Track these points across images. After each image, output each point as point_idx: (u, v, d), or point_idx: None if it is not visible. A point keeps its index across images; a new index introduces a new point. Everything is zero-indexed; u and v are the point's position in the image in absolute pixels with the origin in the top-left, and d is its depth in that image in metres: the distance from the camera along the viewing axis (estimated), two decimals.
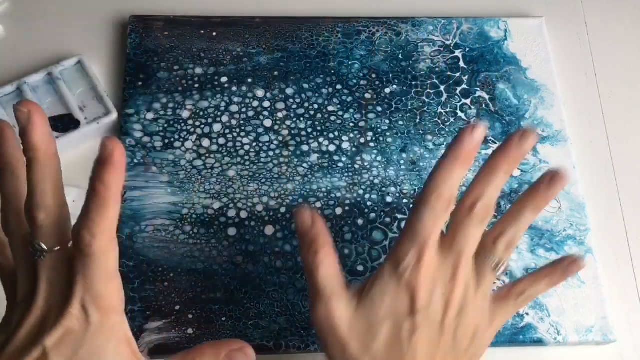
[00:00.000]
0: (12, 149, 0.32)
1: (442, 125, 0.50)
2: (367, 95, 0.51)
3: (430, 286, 0.32)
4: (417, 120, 0.50)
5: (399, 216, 0.47)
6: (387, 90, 0.51)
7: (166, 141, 0.48)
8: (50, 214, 0.30)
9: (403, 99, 0.51)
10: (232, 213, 0.46)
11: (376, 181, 0.48)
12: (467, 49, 0.53)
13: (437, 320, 0.32)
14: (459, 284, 0.33)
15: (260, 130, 0.49)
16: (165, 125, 0.49)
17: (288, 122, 0.50)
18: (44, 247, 0.29)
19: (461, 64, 0.53)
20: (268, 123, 0.50)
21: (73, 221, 0.29)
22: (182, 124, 0.49)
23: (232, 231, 0.46)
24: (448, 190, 0.32)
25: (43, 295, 0.29)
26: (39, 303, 0.29)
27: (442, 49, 0.53)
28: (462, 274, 0.33)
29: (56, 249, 0.30)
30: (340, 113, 0.50)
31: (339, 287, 0.33)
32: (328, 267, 0.33)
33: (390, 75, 0.52)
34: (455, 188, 0.32)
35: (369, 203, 0.47)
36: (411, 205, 0.33)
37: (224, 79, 0.51)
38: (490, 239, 0.34)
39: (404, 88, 0.52)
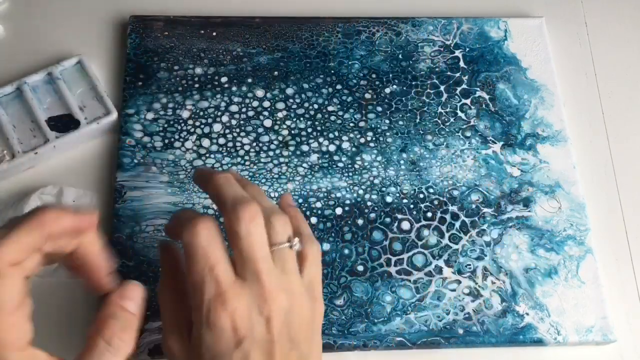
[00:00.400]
0: None
1: (442, 125, 0.50)
2: (367, 95, 0.51)
3: (244, 312, 0.30)
4: (417, 120, 0.50)
5: (399, 216, 0.47)
6: (387, 90, 0.51)
7: (166, 141, 0.48)
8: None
9: (403, 99, 0.51)
10: None
11: (376, 181, 0.48)
12: (467, 49, 0.53)
13: (264, 336, 0.31)
14: (270, 292, 0.31)
15: (260, 130, 0.49)
16: (165, 125, 0.49)
17: (288, 122, 0.50)
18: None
19: (461, 64, 0.53)
20: (268, 123, 0.50)
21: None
22: (182, 124, 0.49)
23: None
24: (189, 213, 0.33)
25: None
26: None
27: (442, 49, 0.53)
28: (267, 281, 0.31)
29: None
30: (340, 113, 0.50)
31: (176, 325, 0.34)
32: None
33: (390, 75, 0.52)
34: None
35: (369, 203, 0.47)
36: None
37: (224, 79, 0.51)
38: (267, 230, 0.32)
39: (404, 88, 0.52)
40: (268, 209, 0.33)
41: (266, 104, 0.50)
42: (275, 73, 0.51)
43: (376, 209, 0.47)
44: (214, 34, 0.52)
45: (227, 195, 0.32)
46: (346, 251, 0.45)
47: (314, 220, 0.46)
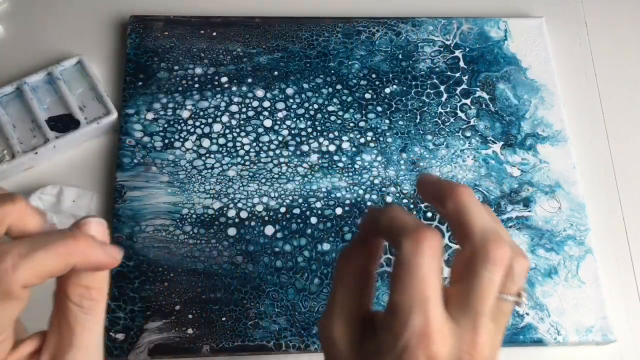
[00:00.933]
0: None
1: (442, 125, 0.50)
2: (367, 95, 0.51)
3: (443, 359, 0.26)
4: (417, 120, 0.50)
5: None
6: (387, 90, 0.51)
7: (166, 141, 0.48)
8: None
9: (403, 99, 0.51)
10: (232, 213, 0.46)
11: (376, 181, 0.48)
12: (467, 49, 0.53)
13: None
14: (481, 349, 0.27)
15: (260, 130, 0.49)
16: (165, 125, 0.49)
17: (288, 122, 0.50)
18: None
19: (461, 64, 0.53)
20: (268, 123, 0.50)
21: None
22: (182, 124, 0.49)
23: (232, 231, 0.46)
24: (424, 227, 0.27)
25: None
26: None
27: (442, 49, 0.53)
28: (482, 335, 0.27)
29: None
30: (340, 113, 0.50)
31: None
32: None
33: (390, 75, 0.52)
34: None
35: (369, 203, 0.47)
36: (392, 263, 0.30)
37: (224, 79, 0.51)
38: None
39: (404, 88, 0.52)
40: (513, 247, 0.28)
41: (266, 104, 0.50)
42: (275, 73, 0.51)
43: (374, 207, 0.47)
44: (214, 34, 0.52)
45: (476, 223, 0.28)
46: None
47: (314, 220, 0.46)
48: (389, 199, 0.47)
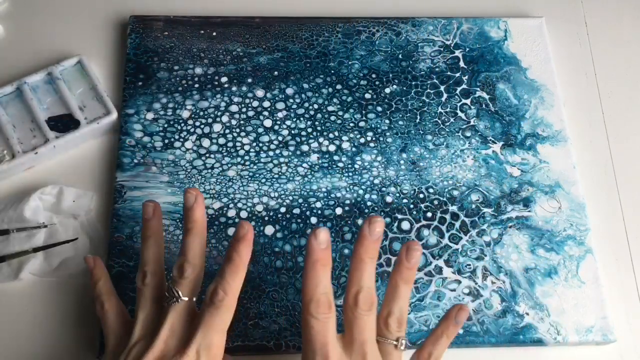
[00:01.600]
0: (159, 223, 0.40)
1: (442, 125, 0.50)
2: (367, 95, 0.51)
3: None
4: (417, 120, 0.50)
5: (399, 216, 0.47)
6: (387, 90, 0.51)
7: (166, 141, 0.48)
8: (195, 270, 0.37)
9: (403, 99, 0.51)
10: (232, 213, 0.46)
11: (376, 181, 0.48)
12: (467, 49, 0.53)
13: None
14: None
15: (260, 130, 0.49)
16: (165, 125, 0.49)
17: (288, 122, 0.50)
18: (181, 294, 0.36)
19: (461, 64, 0.53)
20: (268, 123, 0.50)
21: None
22: (182, 124, 0.49)
23: (232, 231, 0.46)
24: (322, 294, 0.34)
25: (163, 336, 0.34)
26: (159, 343, 0.34)
27: (442, 49, 0.53)
28: (370, 356, 0.35)
29: (186, 299, 0.36)
30: (340, 113, 0.50)
31: None
32: None
33: (390, 75, 0.52)
34: (328, 288, 0.35)
35: (369, 203, 0.47)
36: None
37: (224, 79, 0.51)
38: (381, 323, 0.36)
39: (404, 88, 0.52)
40: (391, 305, 0.37)
41: (266, 104, 0.50)
42: (275, 73, 0.51)
43: (376, 209, 0.47)
44: (214, 34, 0.52)
45: (355, 279, 0.36)
46: (346, 251, 0.45)
47: (314, 220, 0.46)
48: (389, 199, 0.47)
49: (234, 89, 0.51)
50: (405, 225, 0.47)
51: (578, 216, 0.48)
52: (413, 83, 0.52)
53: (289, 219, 0.46)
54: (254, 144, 0.49)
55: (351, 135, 0.50)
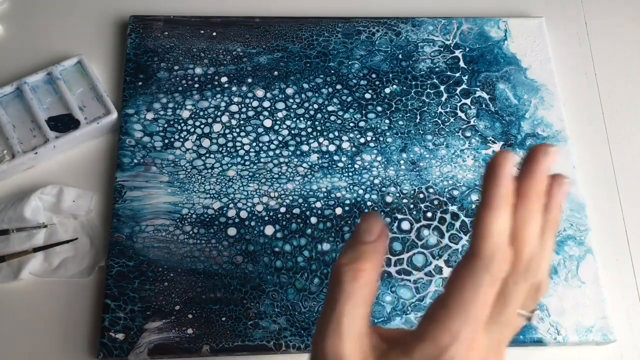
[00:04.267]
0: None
1: (442, 125, 0.50)
2: (367, 95, 0.51)
3: None
4: (417, 120, 0.50)
5: (399, 216, 0.47)
6: (387, 90, 0.51)
7: (166, 141, 0.48)
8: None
9: (403, 99, 0.51)
10: (232, 213, 0.46)
11: (376, 181, 0.48)
12: (467, 49, 0.53)
13: None
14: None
15: (260, 130, 0.49)
16: (165, 125, 0.49)
17: (288, 122, 0.50)
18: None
19: (461, 64, 0.53)
20: (268, 123, 0.50)
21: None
22: (182, 124, 0.49)
23: (232, 231, 0.46)
24: (501, 243, 0.27)
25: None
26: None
27: (442, 49, 0.53)
28: (504, 349, 0.29)
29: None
30: (340, 113, 0.50)
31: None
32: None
33: (390, 75, 0.52)
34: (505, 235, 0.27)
35: (369, 203, 0.47)
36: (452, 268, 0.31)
37: (224, 79, 0.51)
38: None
39: (404, 88, 0.52)
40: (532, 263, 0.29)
41: (266, 104, 0.50)
42: (275, 73, 0.51)
43: (376, 209, 0.47)
44: (214, 34, 0.52)
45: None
46: None
47: (314, 220, 0.46)
48: (389, 198, 0.47)
49: (234, 89, 0.51)
50: (405, 225, 0.47)
51: (578, 216, 0.48)
52: (413, 83, 0.52)
53: (289, 219, 0.46)
54: (254, 144, 0.49)
55: (351, 135, 0.49)
